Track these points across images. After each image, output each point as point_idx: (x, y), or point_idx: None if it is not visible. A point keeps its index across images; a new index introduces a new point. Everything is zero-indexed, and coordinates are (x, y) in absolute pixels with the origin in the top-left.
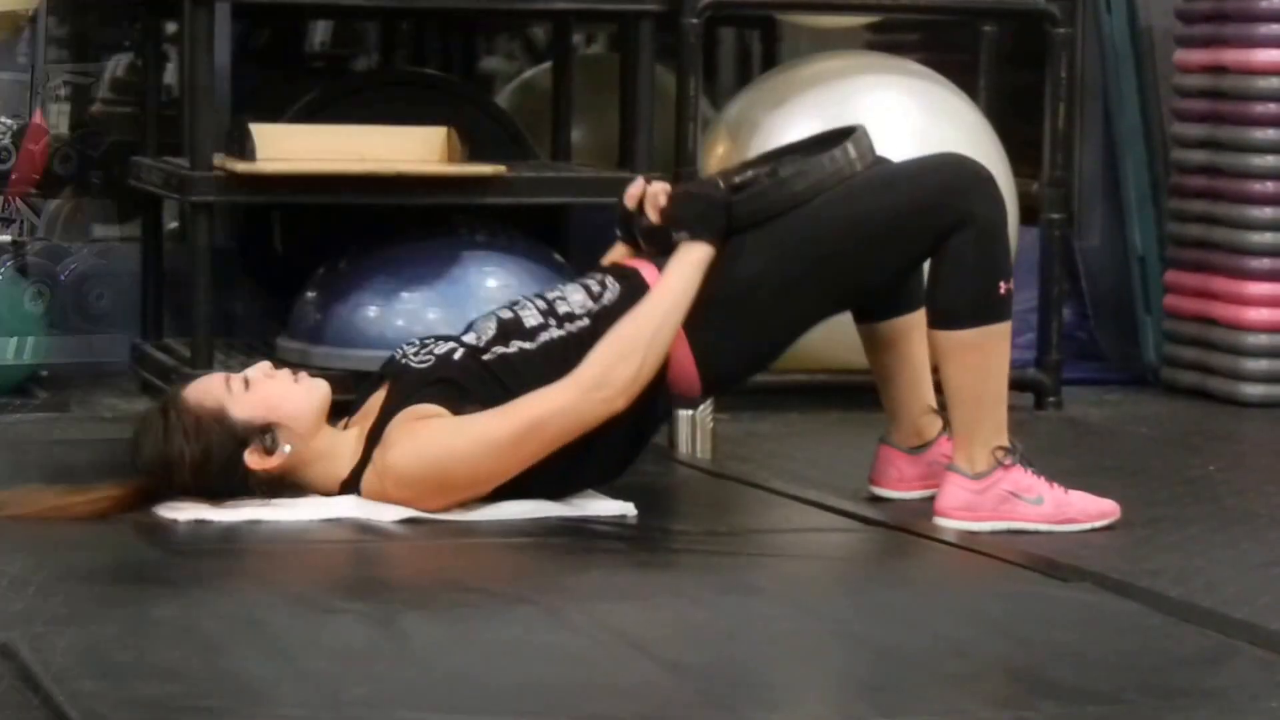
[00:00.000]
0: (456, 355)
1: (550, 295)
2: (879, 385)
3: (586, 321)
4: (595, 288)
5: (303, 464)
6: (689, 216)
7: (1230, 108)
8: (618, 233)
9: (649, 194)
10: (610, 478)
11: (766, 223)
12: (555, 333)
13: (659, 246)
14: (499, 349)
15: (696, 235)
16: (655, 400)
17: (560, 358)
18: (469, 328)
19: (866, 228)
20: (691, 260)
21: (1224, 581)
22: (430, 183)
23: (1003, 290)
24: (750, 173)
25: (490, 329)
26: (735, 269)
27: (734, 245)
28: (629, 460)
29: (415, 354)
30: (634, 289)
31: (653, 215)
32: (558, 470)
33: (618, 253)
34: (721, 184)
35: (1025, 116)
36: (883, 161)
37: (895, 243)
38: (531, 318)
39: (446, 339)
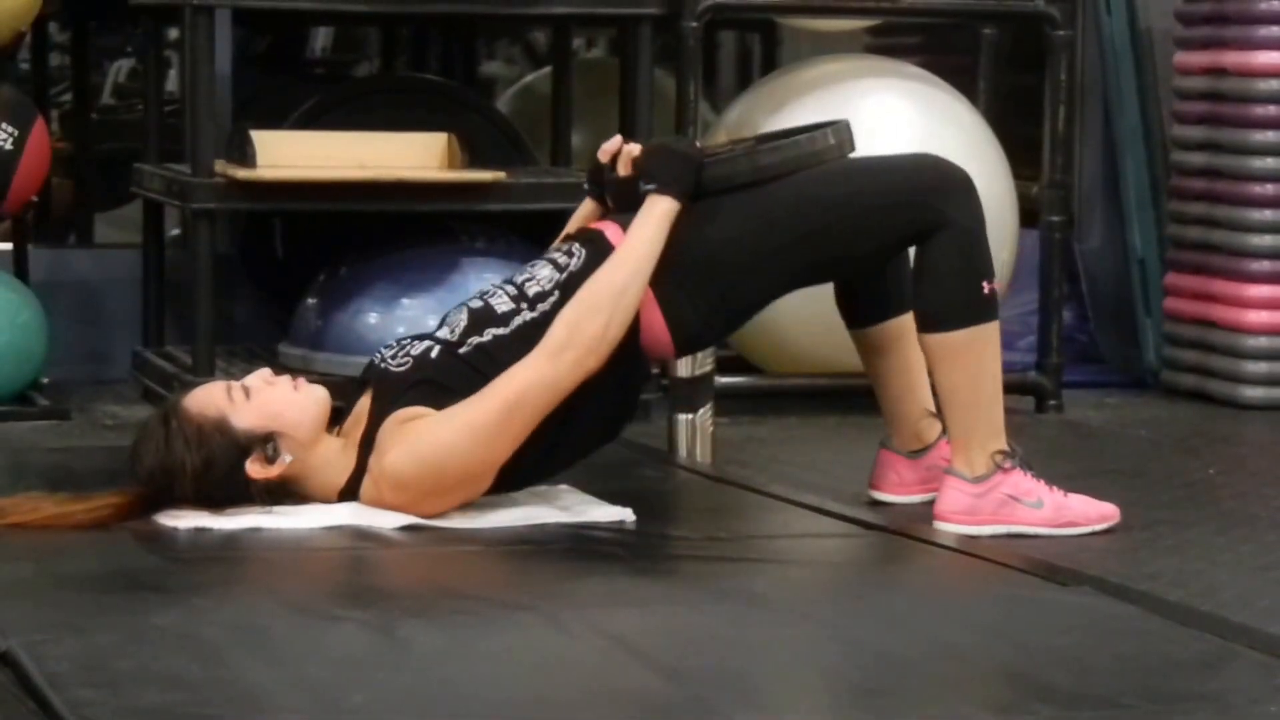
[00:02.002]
0: (434, 354)
1: (519, 279)
2: (875, 390)
3: (557, 294)
4: (562, 259)
5: (303, 472)
6: (659, 169)
7: (1230, 110)
8: (586, 186)
9: (624, 150)
10: (605, 441)
11: (738, 191)
12: (528, 315)
13: (626, 202)
14: (474, 340)
15: (665, 189)
16: (635, 360)
17: (536, 339)
18: (442, 322)
19: (838, 208)
20: (656, 214)
21: (1223, 585)
22: (431, 189)
23: (987, 290)
24: (731, 148)
25: (462, 321)
26: (707, 232)
27: (708, 209)
28: (620, 424)
29: (393, 357)
30: (600, 252)
31: (624, 171)
32: (547, 443)
33: (583, 212)
34: (699, 146)
35: (1025, 119)
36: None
37: (867, 228)
38: (502, 304)
39: (421, 338)
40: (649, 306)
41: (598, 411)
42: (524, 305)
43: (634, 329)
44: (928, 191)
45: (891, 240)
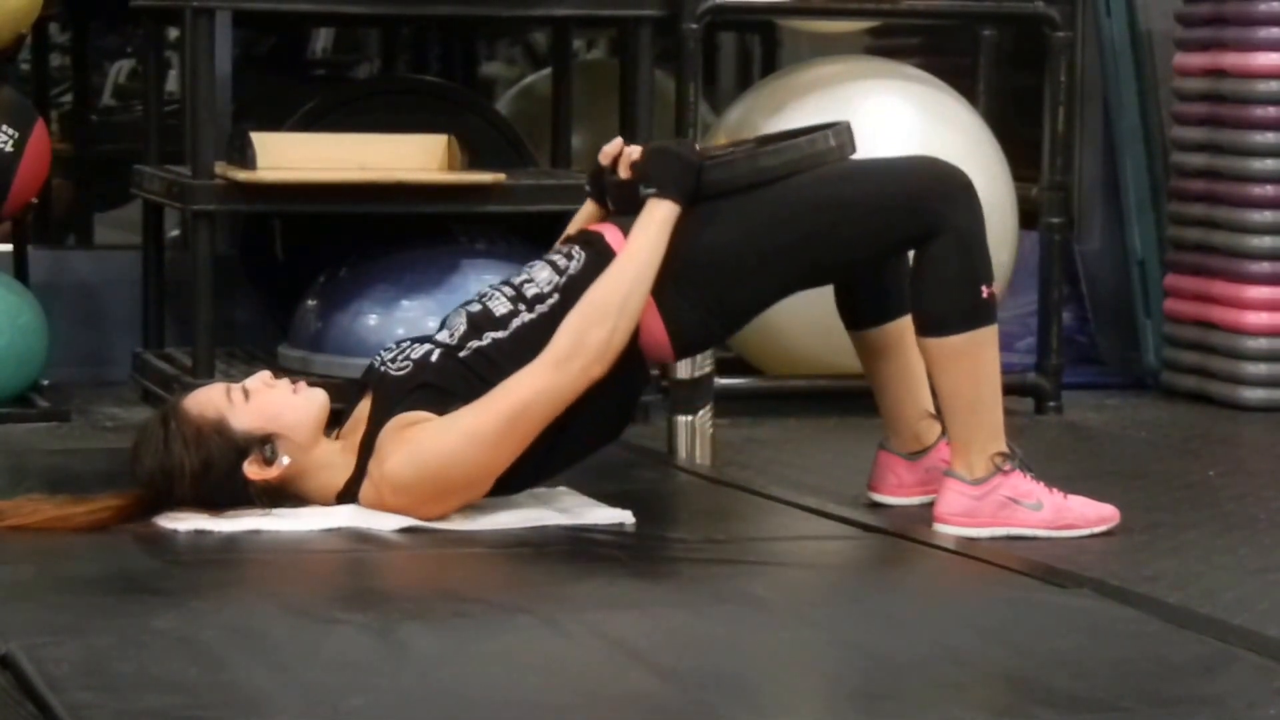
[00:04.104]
0: (434, 358)
1: (517, 280)
2: (875, 392)
3: (556, 297)
4: (561, 261)
5: (302, 474)
6: (660, 173)
7: (1230, 111)
8: (587, 189)
9: (624, 153)
10: (604, 444)
11: (737, 194)
12: (527, 317)
13: (626, 205)
14: (473, 344)
15: (664, 192)
16: (635, 364)
17: (536, 341)
18: (441, 325)
19: (839, 211)
20: (657, 219)
21: (1222, 587)
22: (430, 191)
23: (985, 294)
24: (731, 150)
25: (461, 325)
26: (707, 236)
27: (707, 212)
28: (620, 427)
29: (393, 360)
30: (600, 255)
31: (624, 173)
32: (545, 446)
33: (584, 214)
34: (699, 148)
35: (1025, 120)
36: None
37: (867, 231)
38: (500, 306)
39: (421, 341)
40: (648, 310)
41: (598, 415)
42: (522, 307)
43: (634, 333)
44: (928, 195)
45: (891, 243)
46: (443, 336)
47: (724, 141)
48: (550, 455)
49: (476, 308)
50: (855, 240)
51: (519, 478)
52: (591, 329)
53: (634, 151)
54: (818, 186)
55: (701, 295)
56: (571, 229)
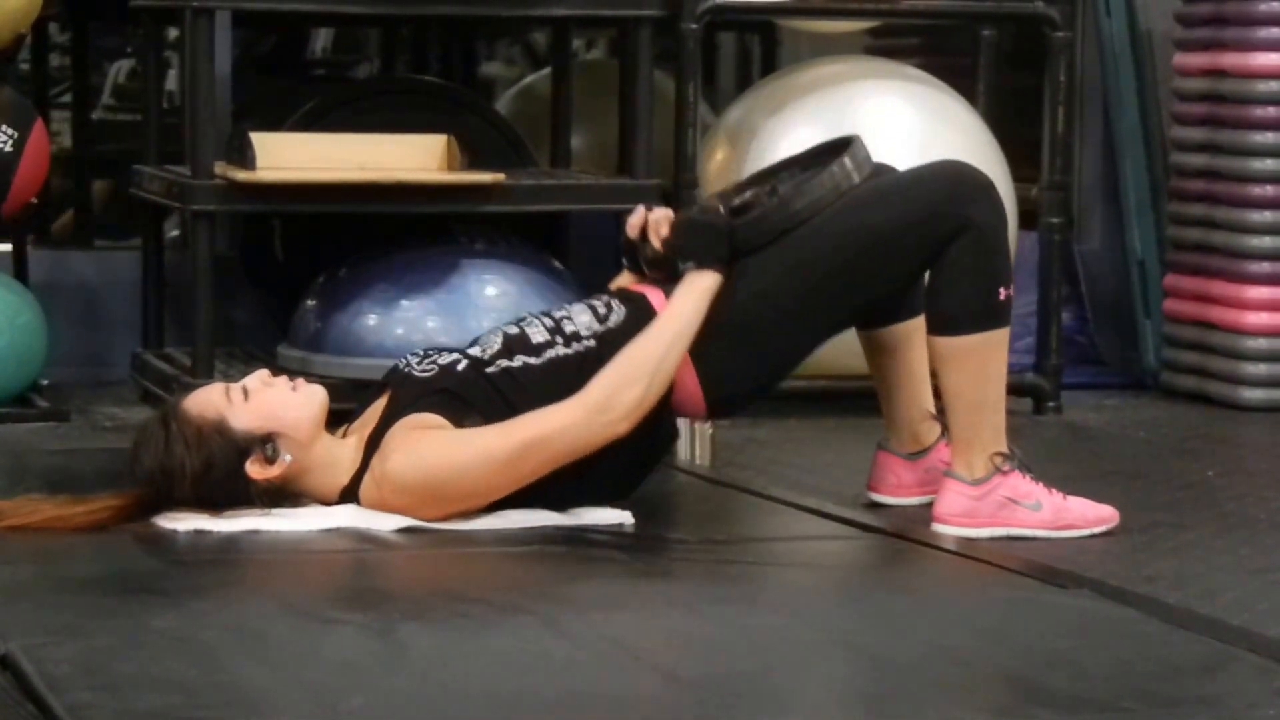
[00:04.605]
0: (460, 366)
1: (557, 314)
2: (878, 391)
3: (592, 343)
4: (602, 310)
5: (303, 472)
6: (693, 246)
7: (1229, 111)
8: (624, 262)
9: (651, 222)
10: (615, 498)
11: (769, 244)
12: (561, 351)
13: (665, 274)
14: (503, 362)
15: (703, 264)
16: (661, 424)
17: (564, 376)
18: (474, 341)
19: (869, 242)
20: (699, 288)
21: (1222, 587)
22: (430, 191)
23: (1003, 296)
24: (749, 193)
25: (496, 343)
26: (739, 291)
27: (737, 267)
28: (634, 484)
29: (419, 363)
30: (640, 313)
31: (656, 243)
32: (558, 492)
33: (624, 280)
34: (721, 209)
35: (1024, 120)
36: (881, 170)
37: (898, 254)
38: (538, 334)
39: (451, 350)
40: (684, 368)
41: (616, 470)
42: (559, 340)
43: (666, 391)
44: (949, 199)
45: (925, 257)
46: (474, 351)
47: (734, 185)
48: (554, 497)
49: (514, 331)
50: (886, 263)
51: (521, 502)
52: (626, 387)
53: (659, 218)
54: (844, 218)
55: (739, 349)
56: (612, 287)
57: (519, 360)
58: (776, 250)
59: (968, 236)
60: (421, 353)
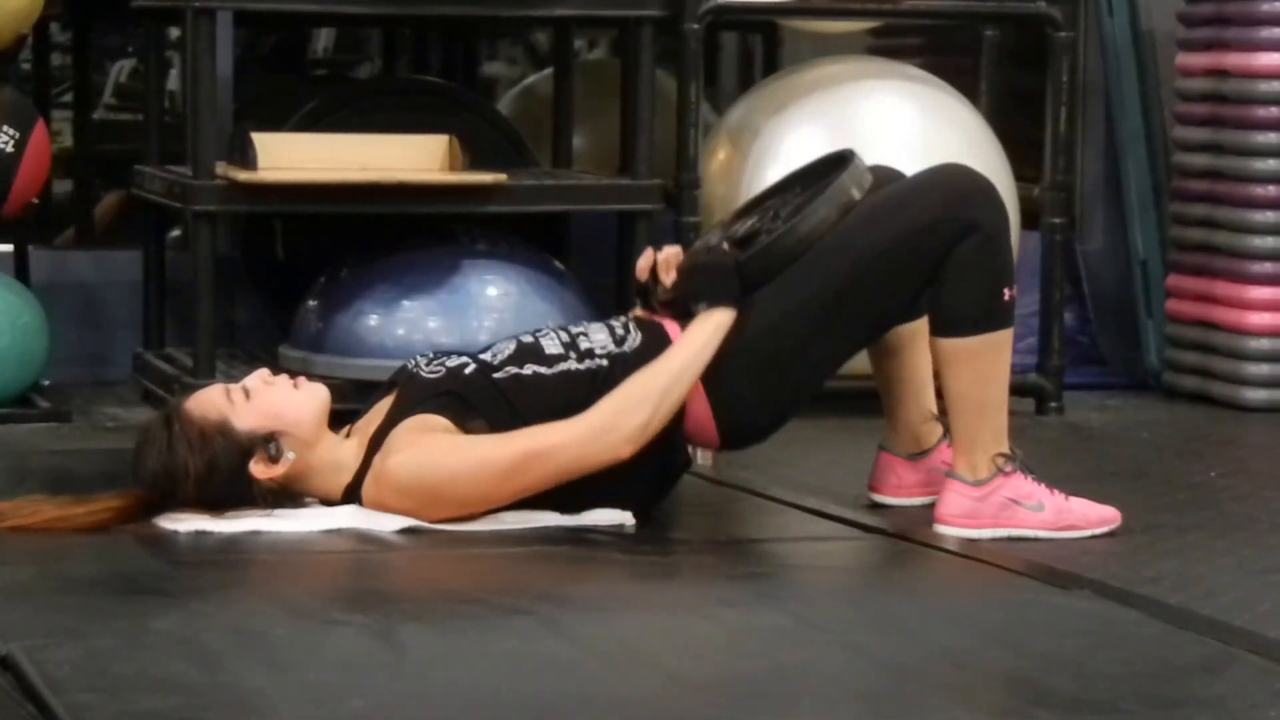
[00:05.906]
0: (467, 370)
1: (573, 330)
2: (881, 391)
3: (605, 363)
4: (619, 330)
5: (307, 471)
6: (705, 288)
7: (1232, 111)
8: (637, 301)
9: (660, 262)
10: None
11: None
12: (574, 365)
13: (678, 314)
14: (512, 369)
15: (715, 303)
16: (675, 451)
17: (574, 390)
18: (487, 347)
19: (876, 260)
20: (713, 323)
21: (1224, 588)
22: (431, 191)
23: (1006, 297)
24: (751, 221)
25: (508, 350)
26: (750, 322)
27: (748, 301)
28: (648, 508)
29: (427, 365)
30: (656, 341)
31: (666, 283)
32: (555, 503)
33: (640, 313)
34: (726, 244)
35: (1027, 120)
36: (881, 178)
37: (906, 268)
38: (552, 346)
39: (461, 354)
40: (697, 399)
41: (631, 495)
42: (573, 355)
43: (678, 417)
44: (950, 204)
45: (928, 265)
46: (485, 356)
47: (733, 213)
48: (558, 507)
49: (529, 340)
50: (899, 279)
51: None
52: (631, 411)
53: (667, 258)
54: (849, 239)
55: (752, 379)
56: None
57: (530, 369)
58: (786, 279)
59: (972, 239)
60: (431, 354)
